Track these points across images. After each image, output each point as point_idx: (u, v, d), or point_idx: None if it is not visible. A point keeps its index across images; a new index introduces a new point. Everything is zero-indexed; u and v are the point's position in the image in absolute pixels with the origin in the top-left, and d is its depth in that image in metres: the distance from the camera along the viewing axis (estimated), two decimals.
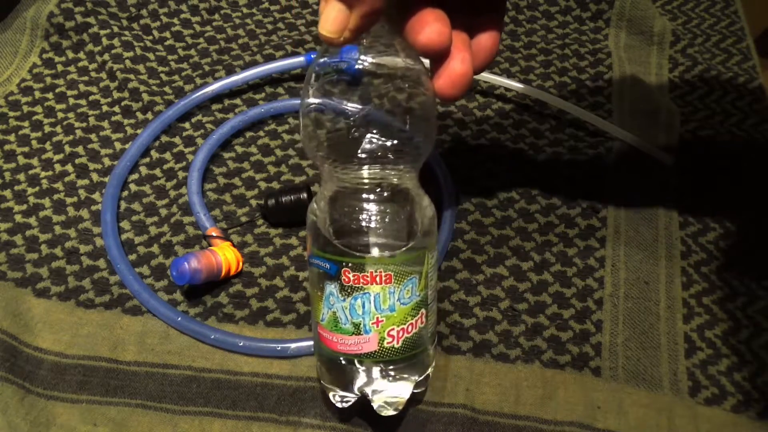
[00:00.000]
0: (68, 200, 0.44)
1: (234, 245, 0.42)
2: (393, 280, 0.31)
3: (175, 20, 0.56)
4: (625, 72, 0.54)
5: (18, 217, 0.43)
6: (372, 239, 0.31)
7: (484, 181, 0.47)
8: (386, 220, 0.31)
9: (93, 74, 0.52)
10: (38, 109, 0.50)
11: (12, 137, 0.48)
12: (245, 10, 0.57)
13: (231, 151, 0.48)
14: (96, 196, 0.45)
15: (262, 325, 0.39)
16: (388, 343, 0.31)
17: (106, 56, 0.52)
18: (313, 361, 0.38)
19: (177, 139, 0.48)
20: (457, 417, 0.36)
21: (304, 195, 0.42)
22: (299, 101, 0.50)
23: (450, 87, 0.30)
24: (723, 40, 0.58)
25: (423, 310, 0.32)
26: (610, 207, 0.45)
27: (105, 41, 0.53)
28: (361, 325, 0.31)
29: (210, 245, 0.41)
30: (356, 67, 0.30)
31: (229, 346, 0.38)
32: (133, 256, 0.42)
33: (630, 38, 0.57)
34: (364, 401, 0.33)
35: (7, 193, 0.45)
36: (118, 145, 0.48)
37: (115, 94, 0.50)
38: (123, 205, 0.44)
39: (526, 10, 0.58)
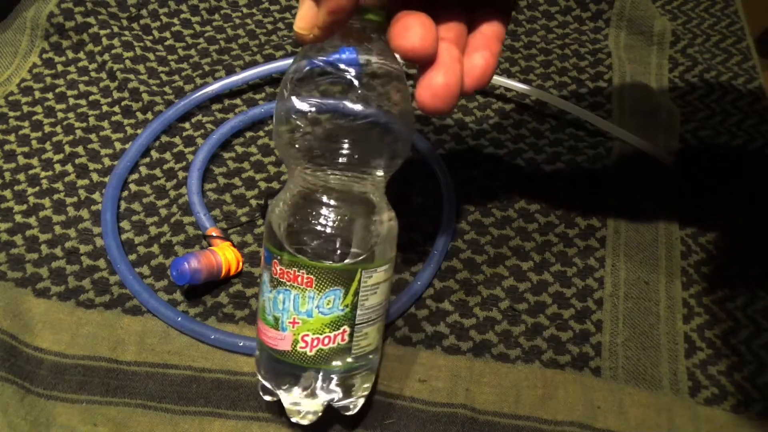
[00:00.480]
0: (68, 200, 0.44)
1: (234, 245, 0.42)
2: (314, 286, 0.30)
3: (175, 20, 0.56)
4: (625, 72, 0.54)
5: (18, 217, 0.43)
6: (305, 240, 0.31)
7: (484, 181, 0.47)
8: (326, 225, 0.31)
9: (93, 74, 0.52)
10: (38, 109, 0.50)
11: (12, 137, 0.48)
12: (245, 10, 0.57)
13: (231, 151, 0.48)
14: (96, 196, 0.45)
15: None
16: (300, 347, 0.31)
17: (106, 56, 0.52)
18: None
19: (177, 139, 0.48)
20: (457, 417, 0.36)
21: None
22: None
23: (430, 98, 0.29)
24: (723, 40, 0.58)
25: (345, 327, 0.31)
26: (610, 207, 0.45)
27: (105, 41, 0.53)
28: (280, 321, 0.31)
29: (210, 245, 0.41)
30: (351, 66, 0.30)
31: (229, 346, 0.38)
32: (133, 256, 0.42)
33: (630, 38, 0.57)
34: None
35: (7, 193, 0.45)
36: (118, 145, 0.48)
37: (115, 94, 0.50)
38: (123, 205, 0.44)
39: (526, 10, 0.58)
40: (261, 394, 0.34)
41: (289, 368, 0.32)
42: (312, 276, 0.30)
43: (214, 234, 0.41)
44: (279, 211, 0.32)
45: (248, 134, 0.49)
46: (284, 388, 0.32)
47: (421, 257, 0.42)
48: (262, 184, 0.46)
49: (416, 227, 0.44)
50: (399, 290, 0.41)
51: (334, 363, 0.32)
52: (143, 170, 0.46)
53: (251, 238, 0.43)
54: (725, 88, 0.54)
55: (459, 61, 0.29)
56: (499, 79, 0.50)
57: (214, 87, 0.49)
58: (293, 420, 0.33)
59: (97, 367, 0.37)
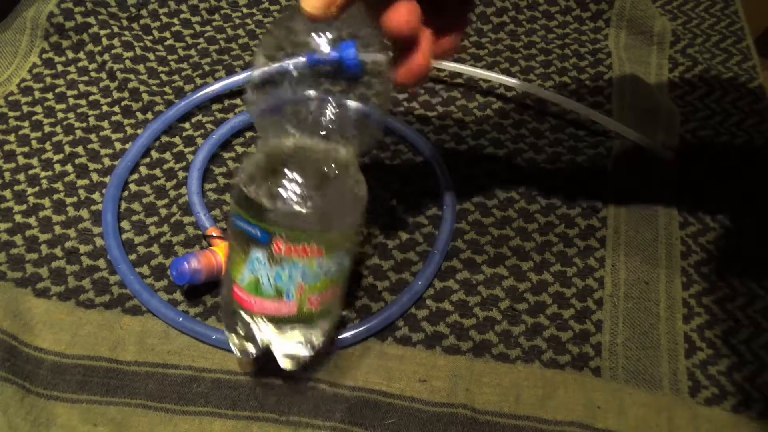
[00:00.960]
0: (68, 200, 0.45)
1: None
2: (324, 254, 0.31)
3: (175, 20, 0.56)
4: (625, 72, 0.54)
5: (18, 217, 0.44)
6: (308, 212, 0.31)
7: (484, 180, 0.47)
8: (325, 194, 0.31)
9: (93, 74, 0.52)
10: (38, 109, 0.50)
11: (12, 137, 0.48)
12: (245, 10, 0.57)
13: (231, 151, 0.48)
14: (96, 196, 0.45)
15: None
16: (306, 308, 0.32)
17: (106, 56, 0.52)
18: (313, 360, 0.38)
19: (177, 139, 0.48)
20: (457, 417, 0.36)
21: None
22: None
23: (409, 76, 0.32)
24: (723, 40, 0.58)
25: (343, 281, 0.34)
26: (610, 207, 0.45)
27: (105, 41, 0.53)
28: (284, 292, 0.31)
29: (210, 245, 0.41)
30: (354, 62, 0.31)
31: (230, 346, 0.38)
32: (133, 256, 0.42)
33: (630, 38, 0.57)
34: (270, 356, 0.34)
35: (7, 193, 0.45)
36: (118, 145, 0.48)
37: (115, 94, 0.50)
38: (123, 205, 0.44)
39: (526, 10, 0.58)
40: (238, 353, 0.34)
41: (274, 323, 0.33)
42: (322, 246, 0.31)
43: (214, 234, 0.41)
44: (260, 183, 0.31)
45: (248, 134, 0.49)
46: (273, 345, 0.33)
47: (421, 257, 0.42)
48: None
49: (416, 227, 0.44)
50: (399, 290, 0.41)
51: (331, 308, 0.34)
52: (143, 170, 0.46)
53: None
54: (725, 88, 0.54)
55: (432, 41, 0.33)
56: (499, 78, 0.50)
57: (214, 87, 0.49)
58: (286, 367, 0.34)
59: (97, 367, 0.37)
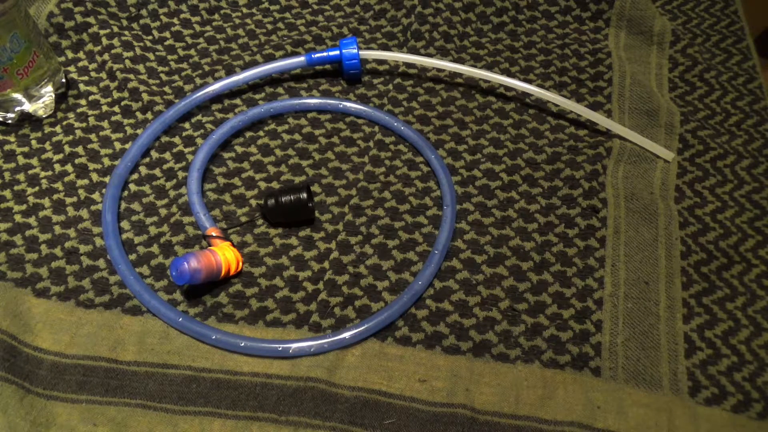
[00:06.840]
0: (68, 200, 0.44)
1: (234, 245, 0.42)
2: None
3: (175, 20, 0.56)
4: (625, 72, 0.54)
5: (18, 217, 0.43)
6: None
7: (484, 180, 0.47)
8: None
9: (93, 74, 0.52)
10: None
11: (12, 137, 0.48)
12: (245, 10, 0.57)
13: (231, 151, 0.48)
14: (96, 196, 0.45)
15: (261, 325, 0.39)
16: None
17: (106, 56, 0.52)
18: (313, 360, 0.38)
19: (177, 139, 0.48)
20: (457, 417, 0.36)
21: (304, 195, 0.42)
22: (299, 101, 0.51)
23: None
24: (723, 40, 0.58)
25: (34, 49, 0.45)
26: (610, 207, 0.45)
27: (105, 41, 0.53)
28: None
29: (210, 245, 0.41)
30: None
31: (231, 346, 0.38)
32: (132, 256, 0.42)
33: (630, 38, 0.57)
34: None
35: (7, 193, 0.45)
36: (117, 145, 0.48)
37: (115, 94, 0.50)
38: (123, 205, 0.44)
39: (526, 10, 0.58)
40: None
41: None
42: None
43: (213, 234, 0.41)
44: None
45: (248, 134, 0.49)
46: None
47: (421, 257, 0.42)
48: (262, 184, 0.46)
49: (416, 227, 0.44)
50: (399, 290, 0.41)
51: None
52: (143, 170, 0.46)
53: (251, 238, 0.43)
54: (725, 88, 0.54)
55: None
56: (499, 78, 0.50)
57: (214, 87, 0.49)
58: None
59: (96, 367, 0.37)
